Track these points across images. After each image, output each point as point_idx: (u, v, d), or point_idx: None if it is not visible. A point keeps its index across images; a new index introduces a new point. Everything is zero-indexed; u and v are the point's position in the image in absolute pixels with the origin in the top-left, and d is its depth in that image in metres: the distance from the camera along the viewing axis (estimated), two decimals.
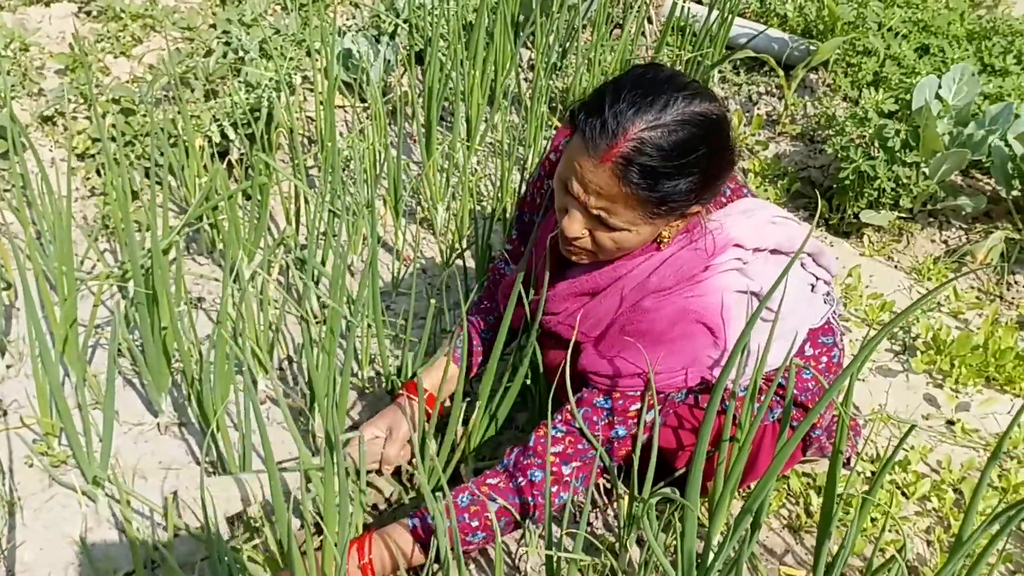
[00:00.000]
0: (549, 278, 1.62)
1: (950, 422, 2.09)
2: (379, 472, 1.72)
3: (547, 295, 1.60)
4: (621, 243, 1.47)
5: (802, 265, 1.64)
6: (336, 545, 1.26)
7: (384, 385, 1.99)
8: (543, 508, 1.52)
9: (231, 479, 1.61)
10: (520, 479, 1.53)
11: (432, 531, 1.49)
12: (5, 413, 1.85)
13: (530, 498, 1.53)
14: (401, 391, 1.77)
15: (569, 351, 1.52)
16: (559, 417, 1.56)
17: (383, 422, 1.71)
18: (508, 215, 2.44)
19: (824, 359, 1.64)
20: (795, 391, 1.61)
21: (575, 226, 1.47)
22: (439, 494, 1.42)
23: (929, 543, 1.81)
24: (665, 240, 1.50)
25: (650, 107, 1.36)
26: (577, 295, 1.59)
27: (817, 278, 1.65)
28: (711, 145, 1.39)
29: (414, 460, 1.72)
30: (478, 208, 2.63)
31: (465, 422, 1.74)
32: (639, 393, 1.52)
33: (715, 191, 1.47)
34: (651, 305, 1.50)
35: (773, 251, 1.55)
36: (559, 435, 1.54)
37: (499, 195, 2.44)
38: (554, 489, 1.52)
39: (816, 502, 1.83)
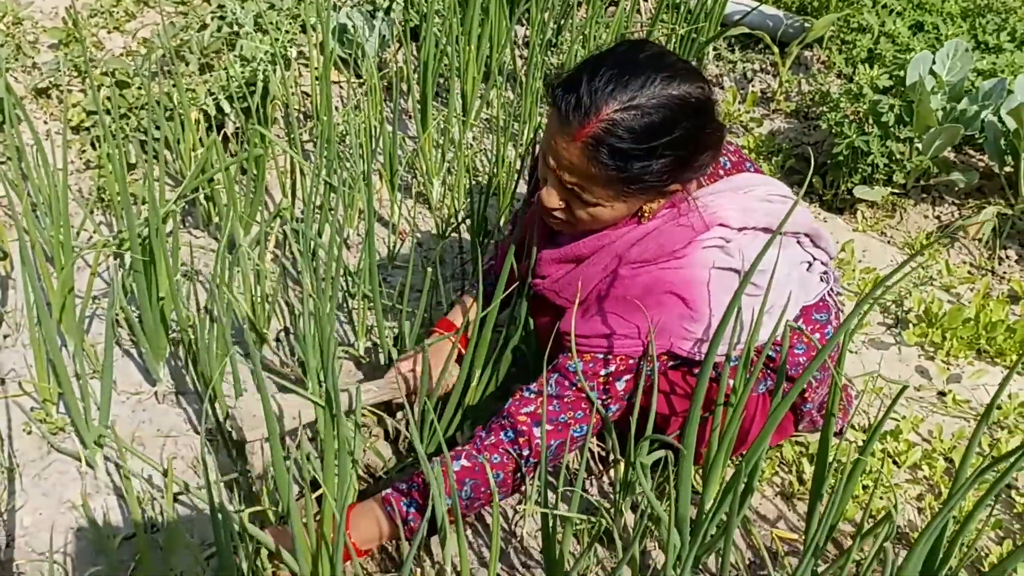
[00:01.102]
0: (539, 242, 1.63)
1: (941, 393, 2.11)
2: (411, 404, 1.74)
3: (535, 259, 1.62)
4: (596, 217, 1.48)
5: (798, 243, 1.65)
6: (336, 502, 1.27)
7: (381, 356, 2.00)
8: (509, 469, 1.52)
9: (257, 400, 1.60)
10: (490, 438, 1.53)
11: (399, 510, 1.49)
12: (3, 382, 1.85)
13: (496, 456, 1.51)
14: (435, 328, 1.82)
15: (556, 317, 1.54)
16: (536, 380, 1.57)
17: (419, 356, 1.73)
18: (504, 189, 2.45)
19: (817, 335, 1.66)
20: (774, 364, 1.62)
21: (552, 198, 1.48)
22: (435, 458, 1.43)
23: (920, 510, 1.83)
24: (646, 215, 1.51)
25: (625, 87, 1.36)
26: (561, 262, 1.60)
27: (815, 258, 1.67)
28: (688, 128, 1.39)
29: (415, 404, 1.73)
30: (474, 183, 2.64)
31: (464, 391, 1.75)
32: (605, 357, 1.53)
33: (695, 171, 1.47)
34: (627, 274, 1.51)
35: (764, 229, 1.56)
36: (531, 396, 1.55)
37: (494, 170, 2.44)
38: (525, 452, 1.52)
39: (809, 470, 1.85)
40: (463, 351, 1.78)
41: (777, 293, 1.51)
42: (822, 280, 1.68)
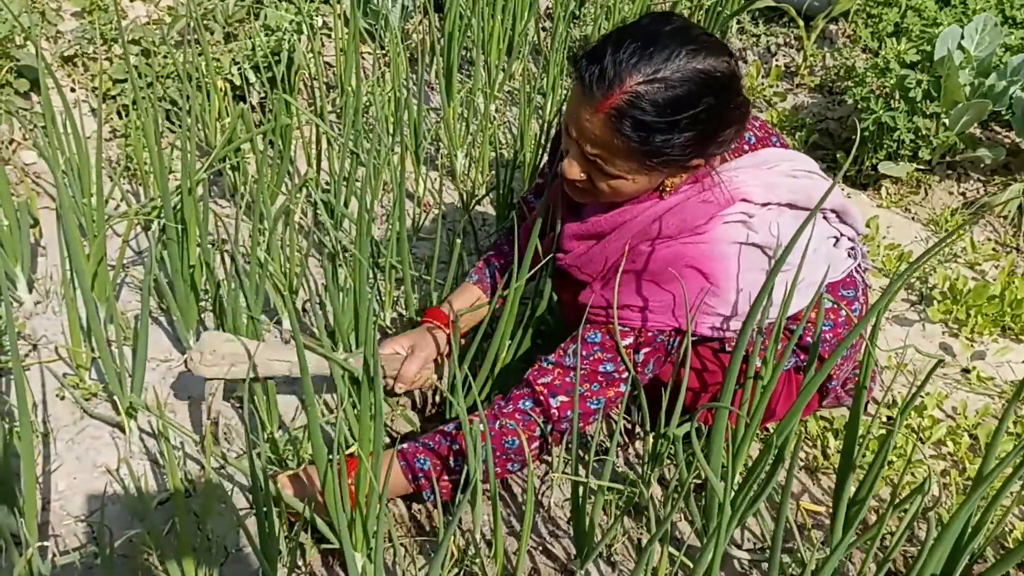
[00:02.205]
0: (564, 217, 1.64)
1: (965, 370, 2.11)
2: (392, 392, 1.72)
3: (560, 231, 1.62)
4: (618, 189, 1.48)
5: (824, 219, 1.64)
6: (371, 468, 1.28)
7: (406, 327, 2.01)
8: (525, 436, 1.52)
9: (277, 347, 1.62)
10: (510, 406, 1.55)
11: (410, 464, 1.52)
12: (35, 348, 1.87)
13: (512, 423, 1.52)
14: (425, 317, 1.79)
15: (579, 293, 1.54)
16: (555, 351, 1.58)
17: (406, 340, 1.72)
18: (528, 162, 2.45)
19: (843, 313, 1.66)
20: (811, 340, 1.62)
21: (574, 169, 1.48)
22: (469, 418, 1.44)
23: (944, 486, 1.84)
24: (668, 190, 1.51)
25: (650, 60, 1.35)
26: (582, 238, 1.60)
27: (841, 234, 1.66)
28: (712, 103, 1.38)
29: (443, 380, 1.74)
30: (497, 155, 2.64)
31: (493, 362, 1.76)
32: (627, 328, 1.54)
33: (718, 147, 1.46)
34: (647, 249, 1.51)
35: (789, 204, 1.56)
36: (548, 366, 1.56)
37: (518, 143, 2.44)
38: (542, 421, 1.53)
39: (833, 445, 1.86)
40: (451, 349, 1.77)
41: (805, 270, 1.51)
42: (849, 256, 1.67)
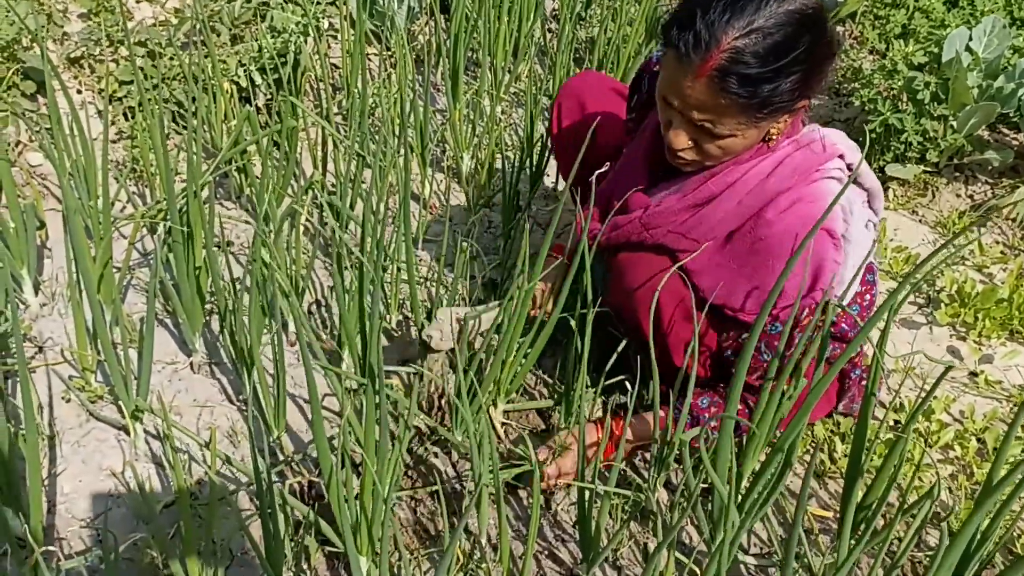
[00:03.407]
0: (650, 192, 1.64)
1: (973, 374, 2.10)
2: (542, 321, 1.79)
3: (652, 210, 1.61)
4: (728, 148, 1.48)
5: (864, 201, 1.64)
6: (376, 472, 1.28)
7: (412, 329, 2.01)
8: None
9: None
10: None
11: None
12: (41, 350, 1.87)
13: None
14: (552, 252, 1.93)
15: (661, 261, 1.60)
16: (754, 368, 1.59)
17: (547, 277, 1.86)
18: (534, 163, 2.44)
19: (868, 296, 1.64)
20: (844, 326, 1.60)
21: (680, 139, 1.48)
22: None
23: (951, 490, 1.83)
24: (773, 137, 1.50)
25: (742, 13, 1.34)
26: (691, 207, 1.58)
27: (868, 219, 1.66)
28: (809, 40, 1.37)
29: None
30: (504, 157, 2.63)
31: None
32: (784, 308, 1.52)
33: (820, 82, 1.45)
34: (774, 218, 1.50)
35: (855, 181, 1.56)
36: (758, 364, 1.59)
37: (525, 145, 2.43)
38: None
39: (840, 448, 1.85)
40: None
41: (856, 250, 1.50)
42: (873, 241, 1.67)
